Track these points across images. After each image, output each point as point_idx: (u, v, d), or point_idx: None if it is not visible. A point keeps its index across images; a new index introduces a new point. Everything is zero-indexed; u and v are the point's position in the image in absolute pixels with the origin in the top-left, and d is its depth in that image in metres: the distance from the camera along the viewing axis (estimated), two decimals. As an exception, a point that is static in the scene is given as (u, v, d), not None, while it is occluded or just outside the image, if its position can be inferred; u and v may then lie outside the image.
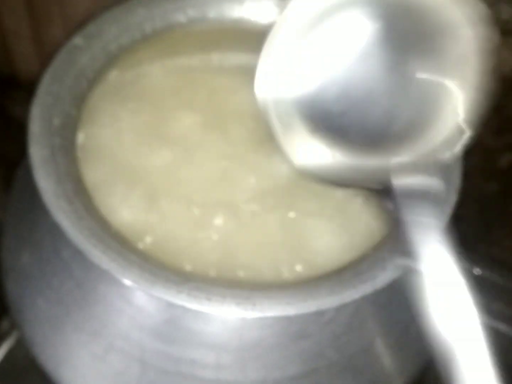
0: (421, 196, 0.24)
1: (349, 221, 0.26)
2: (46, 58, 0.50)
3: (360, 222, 0.26)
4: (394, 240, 0.24)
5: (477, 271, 0.40)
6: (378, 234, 0.26)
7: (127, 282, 0.22)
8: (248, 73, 0.32)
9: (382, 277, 0.23)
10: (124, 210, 0.26)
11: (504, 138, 0.41)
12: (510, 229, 0.45)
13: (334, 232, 0.26)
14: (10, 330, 0.36)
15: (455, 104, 0.26)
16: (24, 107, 0.50)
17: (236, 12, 0.31)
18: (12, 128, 0.48)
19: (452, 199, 0.25)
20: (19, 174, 0.30)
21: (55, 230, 0.24)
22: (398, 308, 0.26)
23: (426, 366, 0.29)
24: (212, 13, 0.31)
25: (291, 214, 0.27)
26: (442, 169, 0.25)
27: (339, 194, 0.27)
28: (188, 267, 0.24)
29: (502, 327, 0.39)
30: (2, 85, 0.51)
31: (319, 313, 0.24)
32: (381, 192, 0.25)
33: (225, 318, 0.24)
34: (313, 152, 0.26)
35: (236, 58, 0.32)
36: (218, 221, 0.26)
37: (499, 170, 0.43)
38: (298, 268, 0.25)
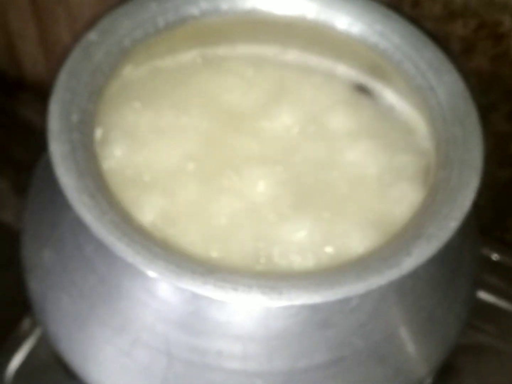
0: None
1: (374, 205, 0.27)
2: (52, 59, 0.50)
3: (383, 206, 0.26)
4: (419, 226, 0.24)
5: (495, 256, 0.40)
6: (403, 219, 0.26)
7: (152, 274, 0.22)
8: (262, 64, 0.32)
9: (408, 263, 0.23)
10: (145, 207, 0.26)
11: (517, 123, 0.41)
12: (525, 215, 0.45)
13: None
14: (31, 329, 0.36)
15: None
16: (31, 108, 0.50)
17: (249, 3, 0.31)
18: (19, 130, 0.48)
19: (474, 183, 0.25)
20: (36, 173, 0.30)
21: (77, 226, 0.24)
22: (422, 294, 0.26)
23: (450, 353, 0.29)
24: (224, 5, 0.31)
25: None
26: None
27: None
28: (214, 255, 0.24)
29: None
30: (9, 87, 0.51)
31: (344, 301, 0.24)
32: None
33: (251, 308, 0.24)
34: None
35: (249, 49, 0.32)
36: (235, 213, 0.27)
37: (513, 156, 0.42)
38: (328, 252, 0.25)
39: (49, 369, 0.35)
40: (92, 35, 0.28)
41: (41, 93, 0.51)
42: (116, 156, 0.28)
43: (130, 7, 0.29)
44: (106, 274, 0.25)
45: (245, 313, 0.24)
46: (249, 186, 0.27)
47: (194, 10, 0.30)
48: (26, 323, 0.36)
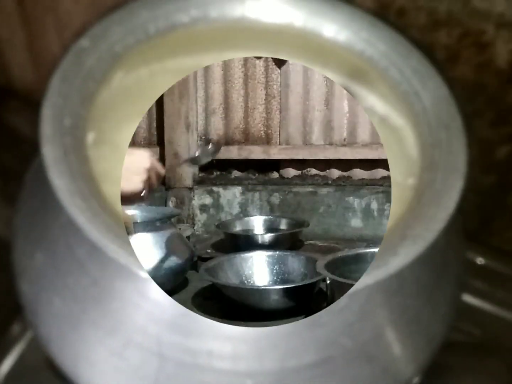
0: None
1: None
2: (40, 67, 0.50)
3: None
4: (405, 227, 0.25)
5: (480, 260, 0.41)
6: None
7: (145, 275, 0.22)
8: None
9: (394, 263, 0.23)
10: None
11: (501, 130, 0.42)
12: (509, 220, 0.45)
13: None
14: (21, 334, 0.36)
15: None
16: (19, 116, 0.50)
17: (238, 11, 0.31)
18: (6, 137, 0.48)
19: (459, 185, 0.26)
20: (28, 176, 0.30)
21: (69, 229, 0.24)
22: (408, 295, 0.27)
23: (436, 353, 0.29)
24: (214, 12, 0.31)
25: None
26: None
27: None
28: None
29: (506, 314, 0.39)
30: (-3, 95, 0.51)
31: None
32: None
33: (241, 309, 0.24)
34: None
35: (238, 56, 0.33)
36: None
37: (497, 162, 0.43)
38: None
39: (39, 373, 0.34)
40: (84, 41, 0.28)
41: (29, 100, 0.51)
42: (108, 159, 0.28)
43: (121, 14, 0.30)
44: (99, 276, 0.25)
45: (236, 314, 0.24)
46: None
47: (184, 18, 0.31)
48: (15, 328, 0.36)
